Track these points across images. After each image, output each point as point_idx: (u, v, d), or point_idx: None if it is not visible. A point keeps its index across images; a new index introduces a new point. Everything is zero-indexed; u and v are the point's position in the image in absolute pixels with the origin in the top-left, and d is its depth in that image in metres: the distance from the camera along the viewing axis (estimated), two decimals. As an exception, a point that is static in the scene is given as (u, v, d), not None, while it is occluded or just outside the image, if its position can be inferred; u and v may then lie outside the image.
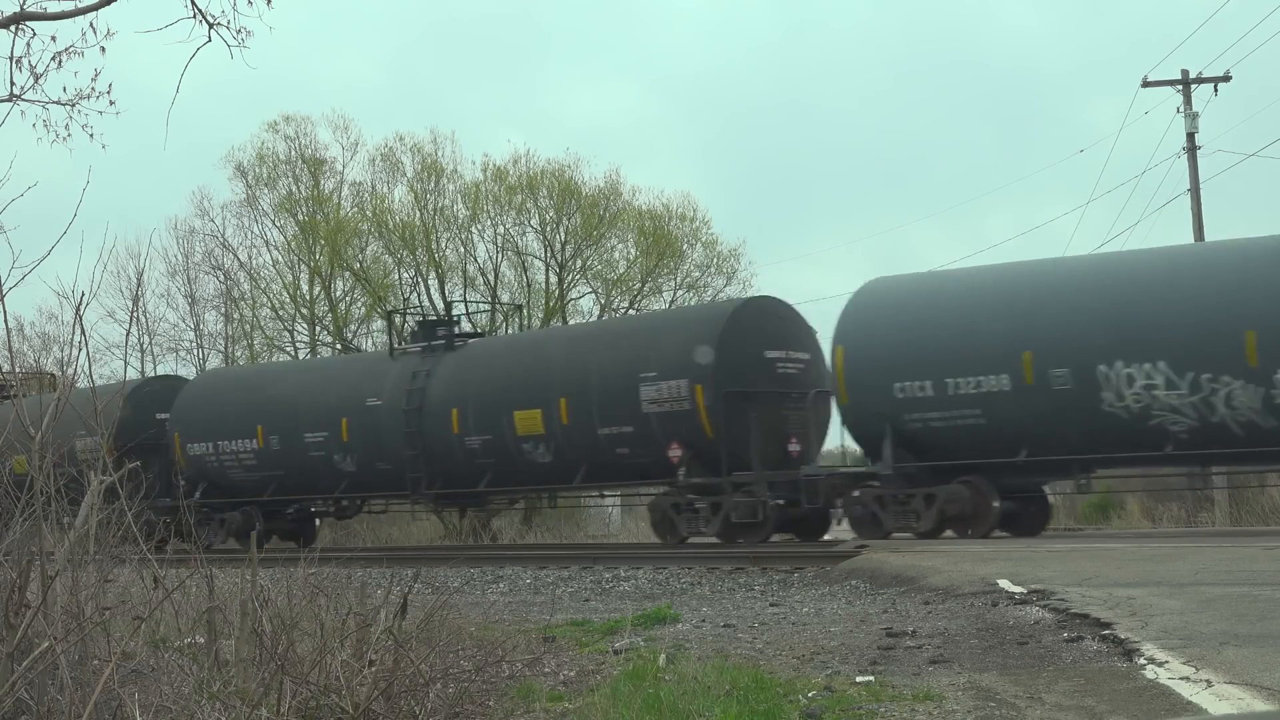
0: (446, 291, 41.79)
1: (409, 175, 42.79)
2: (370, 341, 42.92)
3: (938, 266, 18.19)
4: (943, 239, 69.22)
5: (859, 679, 7.16)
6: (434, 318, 26.59)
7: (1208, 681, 5.77)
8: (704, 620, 11.22)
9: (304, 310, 43.29)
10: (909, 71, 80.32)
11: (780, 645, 9.09)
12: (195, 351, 44.17)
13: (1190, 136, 31.24)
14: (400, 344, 26.28)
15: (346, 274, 42.58)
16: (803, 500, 19.50)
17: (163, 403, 26.85)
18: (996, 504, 17.89)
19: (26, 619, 5.13)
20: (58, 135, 10.72)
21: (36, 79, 10.38)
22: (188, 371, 41.40)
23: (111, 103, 10.64)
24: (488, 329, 39.94)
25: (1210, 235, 29.15)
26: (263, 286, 44.06)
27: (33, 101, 10.52)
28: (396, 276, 42.58)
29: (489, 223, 41.42)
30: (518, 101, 66.17)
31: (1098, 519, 28.25)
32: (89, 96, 10.57)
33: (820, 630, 10.01)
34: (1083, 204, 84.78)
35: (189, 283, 44.12)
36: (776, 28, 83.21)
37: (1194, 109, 31.38)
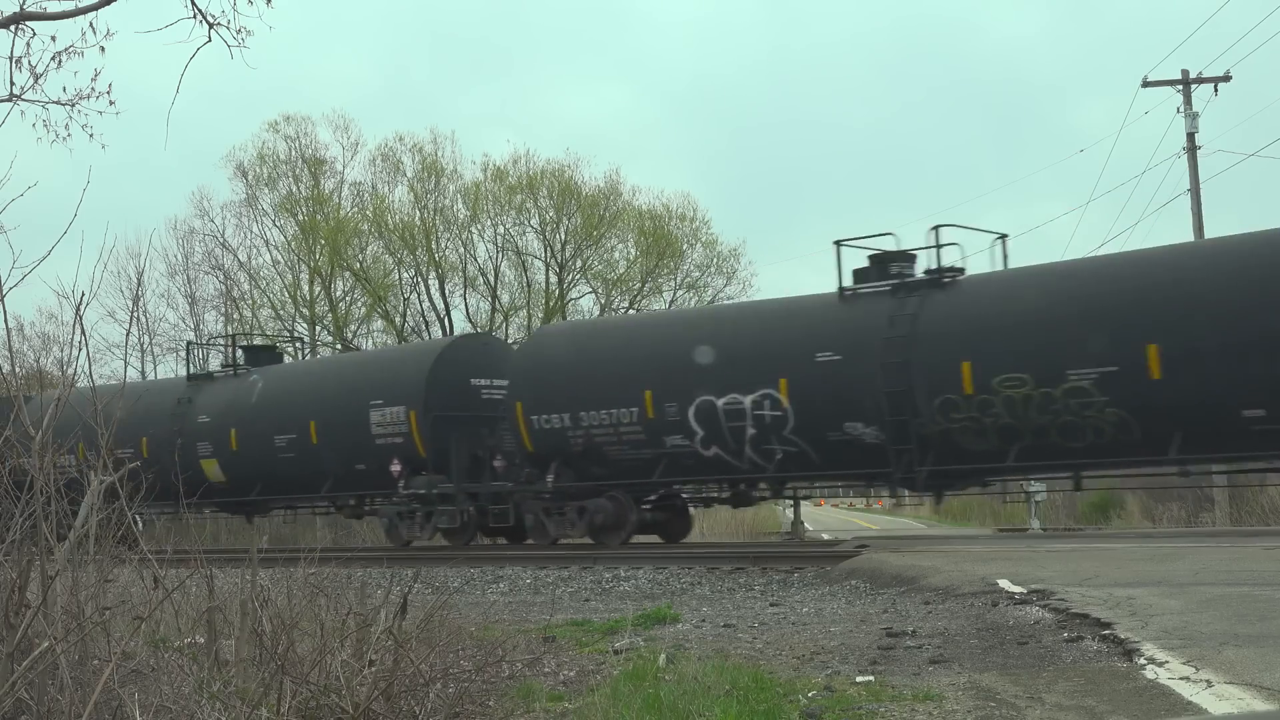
0: (446, 291, 41.83)
1: (409, 175, 42.83)
2: (370, 341, 42.95)
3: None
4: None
5: (859, 679, 7.16)
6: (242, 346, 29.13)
7: (1208, 681, 5.77)
8: (704, 620, 11.21)
9: (304, 310, 43.29)
10: (903, 74, 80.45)
11: (780, 645, 9.09)
12: (196, 351, 44.11)
13: (1190, 136, 31.25)
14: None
15: (346, 274, 42.59)
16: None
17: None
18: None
19: (26, 619, 5.13)
20: (58, 135, 10.74)
21: (36, 79, 10.39)
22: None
23: (111, 103, 10.66)
24: (486, 328, 39.96)
25: (1210, 235, 29.15)
26: (263, 286, 44.10)
27: (33, 101, 10.54)
28: (396, 276, 42.61)
29: (489, 223, 41.47)
30: (512, 104, 66.29)
31: (1098, 519, 28.25)
32: (89, 96, 10.59)
33: (820, 630, 10.00)
34: (1082, 204, 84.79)
35: (189, 283, 44.16)
36: (768, 32, 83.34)
37: (1194, 109, 31.39)
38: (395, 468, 22.70)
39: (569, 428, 20.68)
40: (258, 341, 36.00)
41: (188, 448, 25.23)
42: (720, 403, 19.17)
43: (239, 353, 28.28)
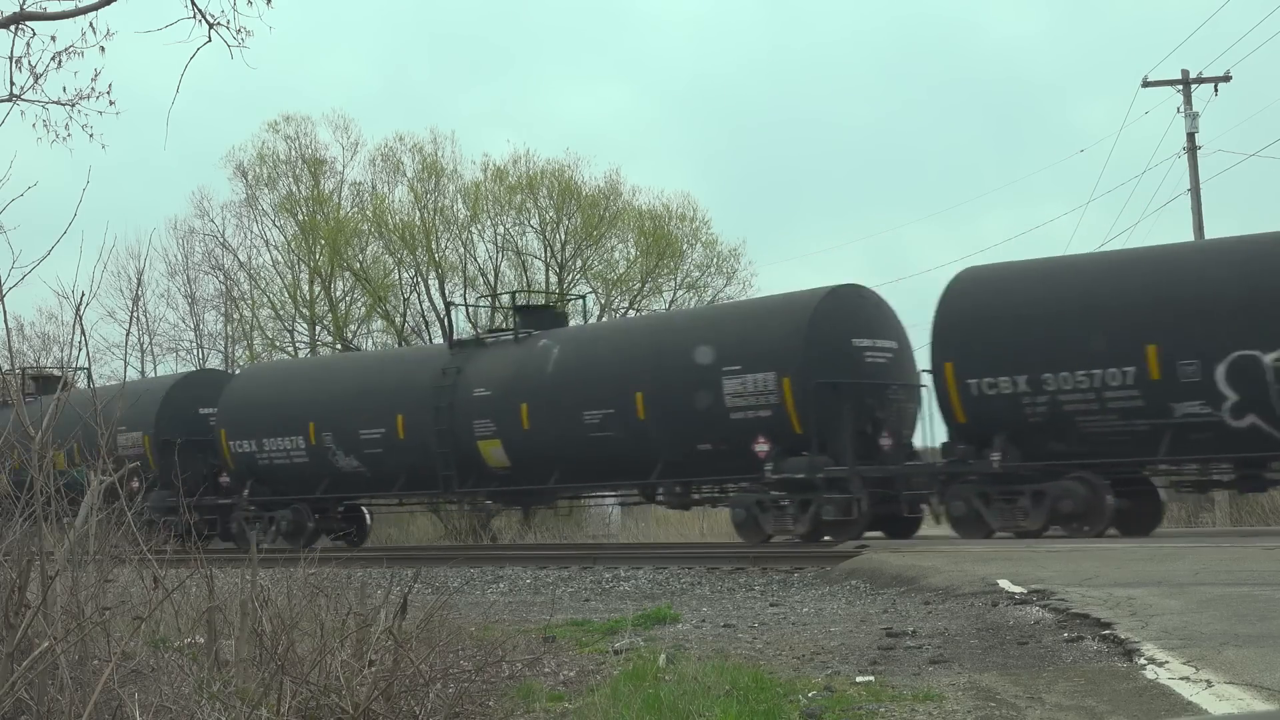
0: (446, 292, 41.81)
1: (409, 175, 42.81)
2: (370, 342, 42.92)
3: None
4: (939, 240, 69.21)
5: (859, 679, 7.16)
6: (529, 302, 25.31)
7: (1208, 681, 5.77)
8: (704, 620, 11.21)
9: (304, 310, 43.28)
10: (903, 73, 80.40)
11: (780, 645, 9.09)
12: (195, 351, 44.17)
13: (1190, 136, 31.25)
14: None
15: (346, 274, 42.58)
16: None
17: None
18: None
19: (26, 619, 5.13)
20: (58, 135, 10.74)
21: (36, 79, 10.39)
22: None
23: (111, 103, 10.66)
24: (486, 328, 39.95)
25: (1210, 235, 29.15)
26: (263, 286, 44.08)
27: (33, 101, 10.54)
28: (396, 276, 42.59)
29: (489, 223, 41.43)
30: (511, 104, 66.15)
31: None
32: (89, 96, 10.59)
33: (820, 630, 10.00)
34: (1082, 204, 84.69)
35: (189, 283, 44.15)
36: (768, 31, 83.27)
37: (1194, 109, 31.40)
38: (762, 447, 18.94)
39: (1025, 393, 17.01)
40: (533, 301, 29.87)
41: (460, 426, 22.18)
42: (1269, 359, 15.72)
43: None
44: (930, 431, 19.45)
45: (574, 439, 20.80)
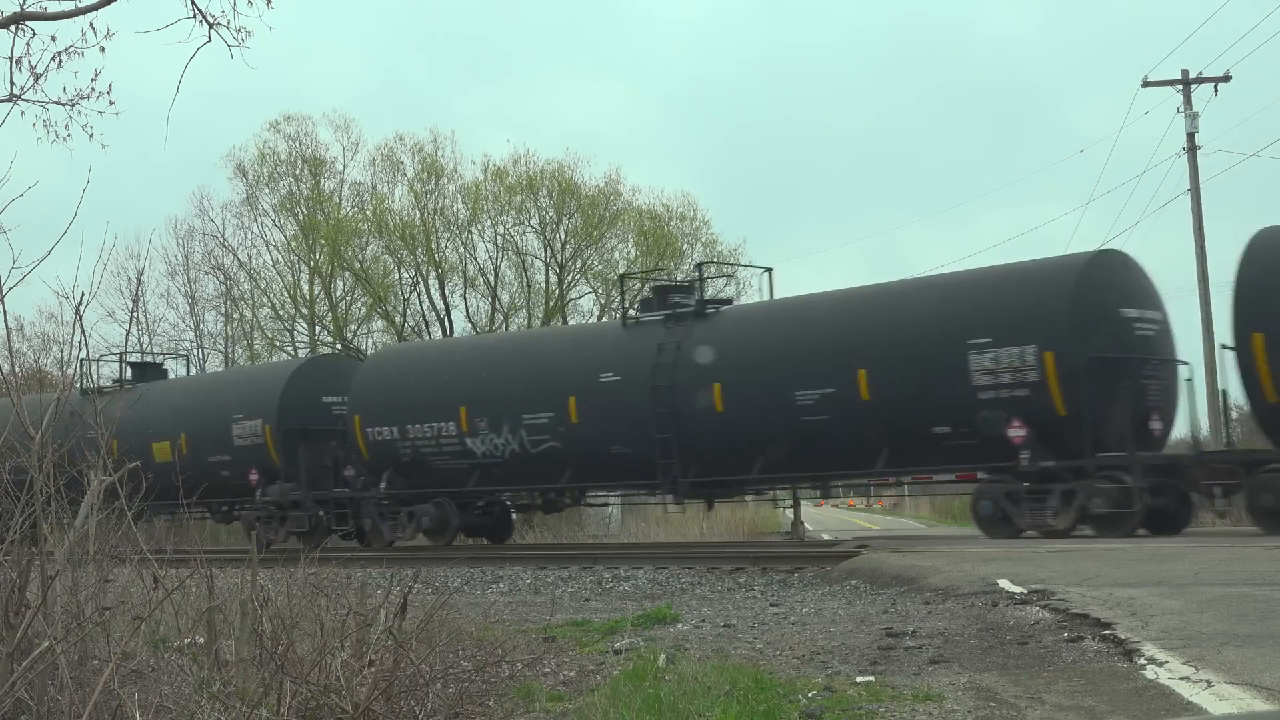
0: (446, 291, 41.80)
1: (409, 175, 42.80)
2: (370, 341, 42.88)
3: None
4: (937, 240, 69.34)
5: (859, 679, 7.16)
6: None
7: (1208, 681, 5.77)
8: (704, 620, 11.21)
9: (304, 310, 43.27)
10: (900, 72, 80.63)
11: (780, 645, 9.09)
12: (195, 352, 44.15)
13: (1190, 136, 31.26)
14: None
15: (346, 274, 42.57)
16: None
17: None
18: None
19: (26, 619, 5.13)
20: (58, 135, 10.74)
21: (36, 79, 10.39)
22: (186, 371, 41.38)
23: (111, 103, 10.66)
24: (486, 328, 39.94)
25: (1210, 235, 29.21)
26: (263, 286, 44.07)
27: (33, 101, 10.54)
28: (396, 276, 42.58)
29: (489, 223, 41.43)
30: (511, 104, 66.30)
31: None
32: (89, 96, 10.60)
33: (820, 630, 10.00)
34: (1081, 205, 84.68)
35: (189, 283, 44.14)
36: (765, 31, 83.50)
37: (1194, 109, 31.40)
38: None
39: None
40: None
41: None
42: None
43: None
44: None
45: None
